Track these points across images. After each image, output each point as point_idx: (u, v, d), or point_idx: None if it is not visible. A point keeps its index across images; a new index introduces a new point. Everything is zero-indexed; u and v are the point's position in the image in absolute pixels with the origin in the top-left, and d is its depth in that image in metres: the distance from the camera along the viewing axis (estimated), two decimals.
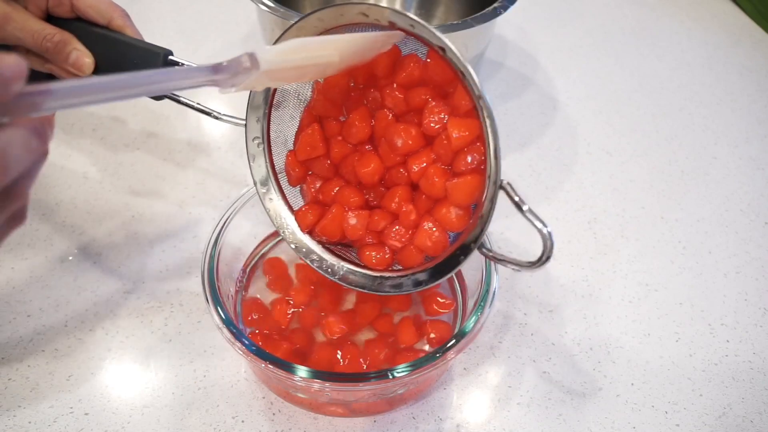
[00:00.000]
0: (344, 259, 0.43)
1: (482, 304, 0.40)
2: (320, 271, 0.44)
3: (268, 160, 0.44)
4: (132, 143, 0.63)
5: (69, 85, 0.25)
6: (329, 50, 0.36)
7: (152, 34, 0.79)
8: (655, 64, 0.79)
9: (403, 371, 0.37)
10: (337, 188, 0.41)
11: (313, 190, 0.43)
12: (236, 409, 0.43)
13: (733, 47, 0.83)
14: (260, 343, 0.43)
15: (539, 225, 0.33)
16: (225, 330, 0.39)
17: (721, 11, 0.90)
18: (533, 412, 0.44)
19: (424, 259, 0.39)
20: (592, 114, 0.71)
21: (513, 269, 0.36)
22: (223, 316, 0.39)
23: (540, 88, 0.74)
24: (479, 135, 0.35)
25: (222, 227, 0.44)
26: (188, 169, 0.61)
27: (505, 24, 0.83)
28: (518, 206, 0.34)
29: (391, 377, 0.37)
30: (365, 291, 0.42)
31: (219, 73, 0.31)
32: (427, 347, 0.45)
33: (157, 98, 0.48)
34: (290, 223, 0.45)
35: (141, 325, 0.48)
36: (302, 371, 0.36)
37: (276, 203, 0.45)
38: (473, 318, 0.39)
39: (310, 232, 0.43)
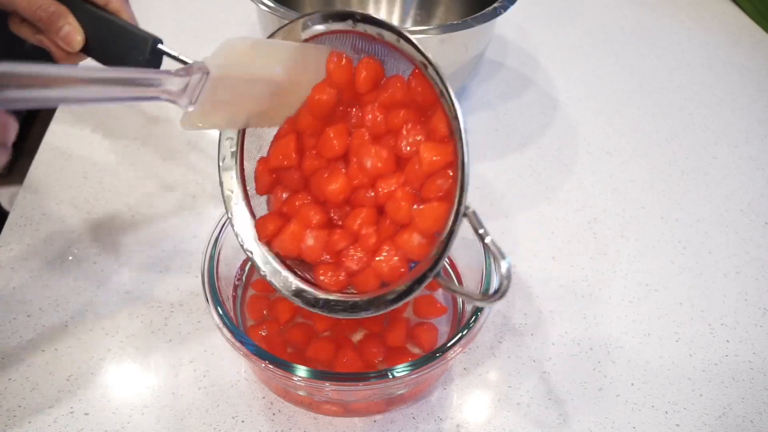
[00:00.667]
0: (298, 276, 0.41)
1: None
2: (272, 284, 0.41)
3: (238, 164, 0.42)
4: (132, 143, 0.63)
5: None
6: (272, 61, 0.35)
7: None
8: (655, 64, 0.79)
9: (403, 371, 0.37)
10: (301, 203, 0.40)
11: (279, 200, 0.41)
12: (236, 409, 0.43)
13: (733, 47, 0.83)
14: (264, 331, 0.44)
15: (499, 257, 0.32)
16: (225, 330, 0.39)
17: (721, 11, 0.90)
18: (533, 412, 0.44)
19: (380, 284, 0.37)
20: (592, 114, 0.71)
21: (467, 301, 0.35)
22: (223, 316, 0.39)
23: (540, 88, 0.74)
24: (452, 162, 0.34)
25: (222, 227, 0.44)
26: (188, 169, 0.61)
27: (505, 24, 0.83)
28: (480, 237, 0.32)
29: (391, 377, 0.37)
30: (314, 310, 0.39)
31: (170, 77, 0.31)
32: (416, 350, 0.44)
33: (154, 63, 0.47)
34: (249, 231, 0.42)
35: (141, 325, 0.48)
36: (302, 371, 0.36)
37: (240, 208, 0.42)
38: (473, 318, 0.39)
39: (268, 243, 0.41)
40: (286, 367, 0.37)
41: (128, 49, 0.45)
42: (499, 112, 0.70)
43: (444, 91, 0.33)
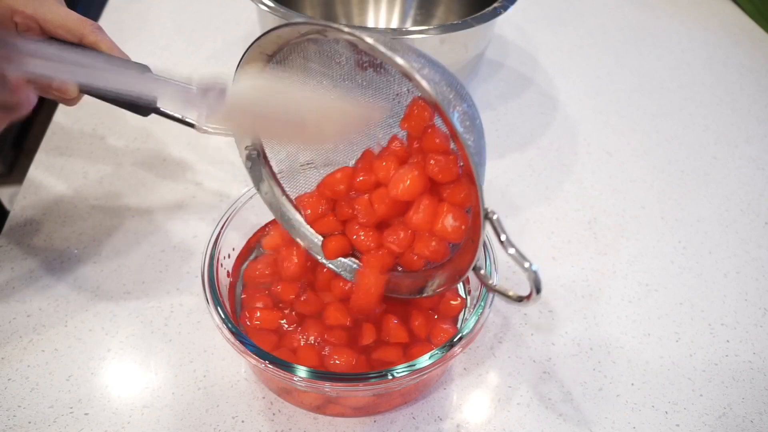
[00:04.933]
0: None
1: (482, 304, 0.40)
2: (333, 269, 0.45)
3: (265, 165, 0.45)
4: (132, 143, 0.63)
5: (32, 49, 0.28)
6: (302, 107, 0.36)
7: (152, 34, 0.80)
8: (655, 64, 0.79)
9: (403, 371, 0.37)
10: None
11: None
12: (236, 409, 0.43)
13: (733, 47, 0.83)
14: (260, 306, 0.44)
15: (525, 264, 0.33)
16: (225, 330, 0.39)
17: (721, 11, 0.90)
18: (533, 412, 0.44)
19: (424, 264, 0.40)
20: (592, 114, 0.71)
21: (505, 301, 0.36)
22: (223, 316, 0.39)
23: (540, 88, 0.74)
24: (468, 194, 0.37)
25: (222, 227, 0.44)
26: (188, 169, 0.61)
27: (505, 24, 0.83)
28: (503, 245, 0.34)
29: (391, 377, 0.37)
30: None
31: (190, 92, 0.33)
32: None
33: (144, 113, 0.48)
34: (303, 227, 0.46)
35: (141, 325, 0.48)
36: (302, 371, 0.36)
37: (281, 205, 0.45)
38: (473, 318, 0.39)
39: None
40: (286, 367, 0.37)
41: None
42: (499, 112, 0.70)
43: (437, 102, 0.33)
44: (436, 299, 0.45)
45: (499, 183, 0.61)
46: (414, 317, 0.43)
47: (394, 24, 0.78)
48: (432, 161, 0.37)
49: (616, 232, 0.57)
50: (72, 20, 0.44)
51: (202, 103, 0.33)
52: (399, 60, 0.31)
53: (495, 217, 0.33)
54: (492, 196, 0.60)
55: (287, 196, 0.46)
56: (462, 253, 0.39)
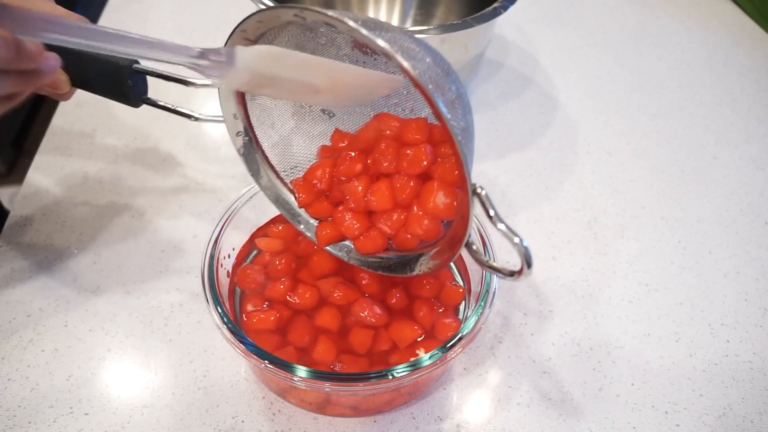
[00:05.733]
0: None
1: (482, 304, 0.40)
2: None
3: (258, 151, 0.45)
4: (132, 143, 0.63)
5: (47, 20, 0.28)
6: (316, 72, 0.36)
7: (152, 34, 0.79)
8: (655, 64, 0.79)
9: (403, 371, 0.37)
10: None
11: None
12: (236, 409, 0.43)
13: (733, 47, 0.83)
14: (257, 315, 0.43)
15: (512, 238, 0.33)
16: (225, 330, 0.39)
17: (721, 11, 0.90)
18: (533, 412, 0.44)
19: (419, 243, 0.40)
20: (592, 114, 0.71)
21: (496, 275, 0.36)
22: (223, 316, 0.39)
23: (540, 88, 0.74)
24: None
25: (222, 227, 0.44)
26: (188, 169, 0.61)
27: (505, 24, 0.83)
28: (492, 221, 0.33)
29: (391, 377, 0.37)
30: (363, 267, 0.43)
31: (198, 57, 0.32)
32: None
33: (135, 104, 0.48)
34: (298, 211, 0.46)
35: (141, 325, 0.48)
36: (302, 371, 0.36)
37: (277, 190, 0.46)
38: (473, 318, 0.39)
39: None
40: (286, 367, 0.37)
41: (107, 79, 0.45)
42: (499, 112, 0.70)
43: (418, 84, 0.33)
44: (436, 288, 0.45)
45: (499, 183, 0.61)
46: (417, 307, 0.44)
47: (394, 24, 0.78)
48: (405, 162, 0.37)
49: (616, 232, 0.57)
50: (59, 15, 0.43)
51: (208, 64, 0.33)
52: (380, 42, 0.31)
53: (483, 192, 0.33)
54: (492, 196, 0.60)
55: (282, 180, 0.46)
56: (454, 229, 0.39)
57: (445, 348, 0.38)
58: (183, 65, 0.33)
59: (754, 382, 0.46)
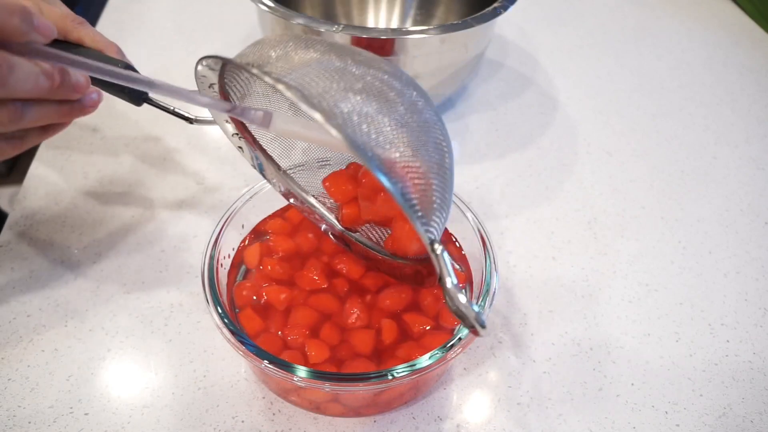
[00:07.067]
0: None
1: (482, 304, 0.40)
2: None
3: (256, 148, 0.45)
4: (132, 143, 0.63)
5: (86, 63, 0.31)
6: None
7: (152, 34, 0.79)
8: (655, 64, 0.79)
9: (403, 371, 0.37)
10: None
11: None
12: (236, 409, 0.43)
13: (733, 47, 0.83)
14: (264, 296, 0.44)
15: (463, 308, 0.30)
16: (225, 330, 0.39)
17: (721, 11, 0.90)
18: (533, 412, 0.44)
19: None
20: (592, 114, 0.71)
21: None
22: (223, 316, 0.39)
23: (540, 88, 0.74)
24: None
25: (222, 227, 0.44)
26: (188, 169, 0.61)
27: (505, 24, 0.83)
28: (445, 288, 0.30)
29: (391, 377, 0.37)
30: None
31: (233, 112, 0.35)
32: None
33: (137, 103, 0.48)
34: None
35: (141, 325, 0.48)
36: (302, 371, 0.36)
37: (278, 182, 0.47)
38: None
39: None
40: (286, 367, 0.37)
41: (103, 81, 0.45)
42: (499, 112, 0.70)
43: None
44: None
45: (499, 183, 0.61)
46: (422, 296, 0.44)
47: (394, 24, 0.78)
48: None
49: (616, 232, 0.57)
50: (53, 17, 0.43)
51: (250, 120, 0.35)
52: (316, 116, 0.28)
53: (439, 251, 0.30)
54: (492, 196, 0.60)
55: (285, 172, 0.47)
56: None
57: (445, 348, 0.38)
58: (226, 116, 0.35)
59: (754, 382, 0.46)
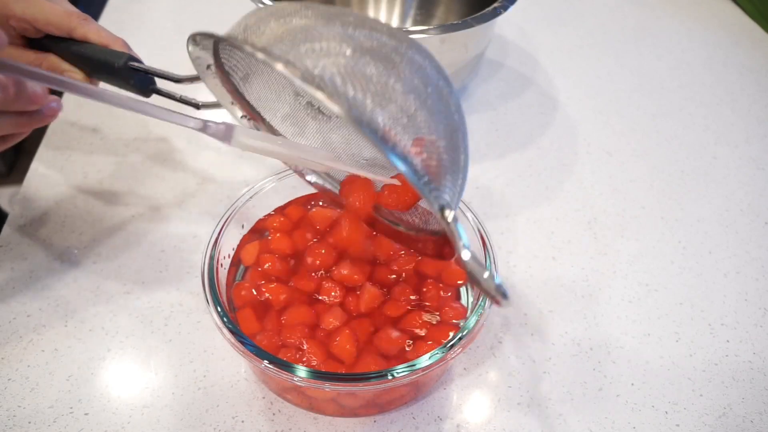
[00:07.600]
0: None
1: (482, 304, 0.40)
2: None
3: (267, 129, 0.46)
4: (132, 143, 0.63)
5: (55, 78, 0.32)
6: (294, 153, 0.40)
7: (152, 34, 0.79)
8: (655, 64, 0.79)
9: (403, 371, 0.37)
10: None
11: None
12: (236, 409, 0.43)
13: (733, 47, 0.83)
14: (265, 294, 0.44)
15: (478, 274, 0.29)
16: (225, 330, 0.39)
17: (721, 11, 0.90)
18: (533, 412, 0.44)
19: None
20: (592, 114, 0.71)
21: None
22: (223, 316, 0.39)
23: (540, 88, 0.74)
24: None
25: (222, 227, 0.44)
26: (188, 169, 0.61)
27: (505, 24, 0.83)
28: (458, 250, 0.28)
29: (391, 377, 0.37)
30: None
31: (192, 126, 0.38)
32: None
33: (146, 94, 0.48)
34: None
35: (141, 325, 0.48)
36: (302, 371, 0.36)
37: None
38: (473, 318, 0.39)
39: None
40: (286, 367, 0.37)
41: (111, 77, 0.46)
42: (499, 112, 0.70)
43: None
44: (438, 269, 0.45)
45: (499, 183, 0.61)
46: (424, 286, 0.44)
47: (394, 24, 0.78)
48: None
49: (616, 232, 0.57)
50: (58, 15, 0.44)
51: (212, 133, 0.38)
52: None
53: (450, 218, 0.29)
54: (492, 196, 0.60)
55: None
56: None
57: (445, 348, 0.38)
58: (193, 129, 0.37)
59: (754, 382, 0.46)
